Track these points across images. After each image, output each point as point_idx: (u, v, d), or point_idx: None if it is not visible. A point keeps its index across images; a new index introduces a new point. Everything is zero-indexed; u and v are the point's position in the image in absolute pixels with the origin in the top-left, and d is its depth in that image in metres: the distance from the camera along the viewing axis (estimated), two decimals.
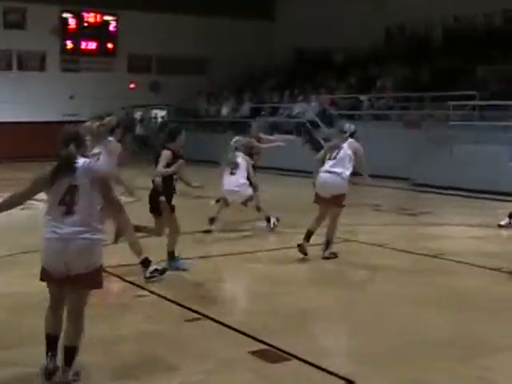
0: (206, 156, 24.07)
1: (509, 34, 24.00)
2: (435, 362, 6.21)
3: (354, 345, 6.87)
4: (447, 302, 8.15)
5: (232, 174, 12.48)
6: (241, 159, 12.59)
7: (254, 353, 6.30)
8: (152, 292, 8.36)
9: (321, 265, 10.04)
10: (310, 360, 6.09)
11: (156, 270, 8.82)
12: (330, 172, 10.09)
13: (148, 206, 9.51)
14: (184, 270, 9.37)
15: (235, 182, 12.41)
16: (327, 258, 10.15)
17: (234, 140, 13.02)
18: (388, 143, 21.08)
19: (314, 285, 9.21)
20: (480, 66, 23.55)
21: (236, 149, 12.70)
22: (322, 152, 10.56)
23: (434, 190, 18.39)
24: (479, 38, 25.06)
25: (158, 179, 9.29)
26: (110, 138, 9.35)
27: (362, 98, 25.51)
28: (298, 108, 26.36)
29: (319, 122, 24.72)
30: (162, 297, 8.19)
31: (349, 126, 10.54)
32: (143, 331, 6.96)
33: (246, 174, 12.55)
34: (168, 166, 9.22)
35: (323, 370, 5.92)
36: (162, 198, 9.27)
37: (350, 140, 10.25)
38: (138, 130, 33.06)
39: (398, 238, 11.87)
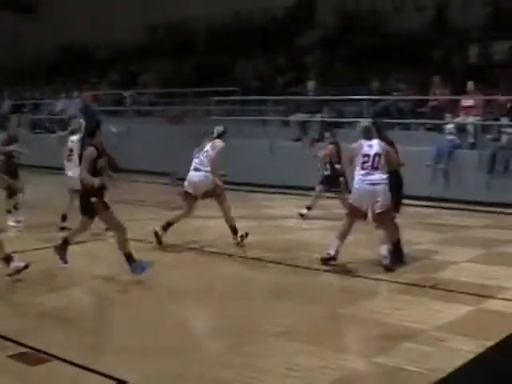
0: None
1: (271, 31, 24.81)
2: (209, 354, 6.26)
3: (124, 343, 6.60)
4: (214, 293, 8.32)
5: (69, 160, 11.88)
6: (75, 140, 11.87)
7: (12, 356, 6.04)
8: None
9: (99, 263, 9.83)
10: (74, 360, 5.91)
11: None
12: (197, 170, 10.85)
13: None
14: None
15: (72, 166, 11.60)
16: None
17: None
18: (151, 139, 21.10)
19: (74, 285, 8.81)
20: (241, 62, 24.19)
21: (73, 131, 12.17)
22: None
23: None
24: (241, 35, 25.70)
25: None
26: None
27: (126, 94, 25.40)
28: (60, 105, 25.76)
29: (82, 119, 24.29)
30: None
31: (217, 128, 11.30)
32: None
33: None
34: (94, 163, 8.77)
35: (88, 369, 5.77)
36: (94, 199, 8.79)
37: (215, 140, 11.04)
38: None
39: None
